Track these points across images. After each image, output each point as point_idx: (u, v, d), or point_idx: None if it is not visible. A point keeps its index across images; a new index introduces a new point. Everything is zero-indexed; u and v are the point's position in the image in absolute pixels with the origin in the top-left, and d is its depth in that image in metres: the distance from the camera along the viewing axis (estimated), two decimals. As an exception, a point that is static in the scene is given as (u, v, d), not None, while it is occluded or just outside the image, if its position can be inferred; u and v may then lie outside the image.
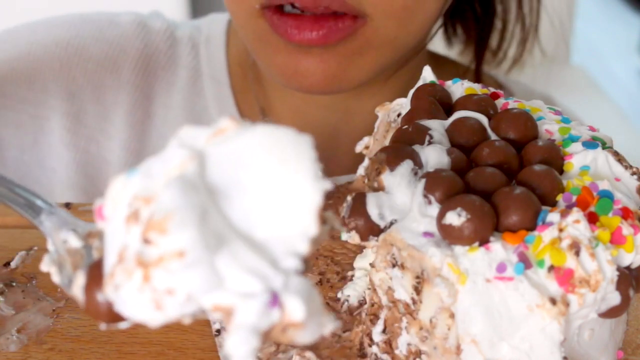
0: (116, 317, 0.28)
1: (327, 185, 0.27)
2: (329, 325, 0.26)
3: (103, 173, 0.72)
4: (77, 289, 0.29)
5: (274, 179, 0.26)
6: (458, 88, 0.44)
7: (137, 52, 0.73)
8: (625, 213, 0.36)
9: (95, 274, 0.29)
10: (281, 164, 0.26)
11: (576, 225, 0.34)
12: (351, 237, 0.38)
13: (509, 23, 0.76)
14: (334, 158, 0.67)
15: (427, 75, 0.45)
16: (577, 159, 0.39)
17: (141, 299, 0.26)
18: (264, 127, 0.27)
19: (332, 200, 0.51)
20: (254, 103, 0.72)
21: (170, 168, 0.27)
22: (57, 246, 0.33)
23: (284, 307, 0.25)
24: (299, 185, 0.26)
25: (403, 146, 0.38)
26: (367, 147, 0.49)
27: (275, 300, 0.25)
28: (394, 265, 0.37)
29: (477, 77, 0.75)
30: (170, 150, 0.27)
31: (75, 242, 0.32)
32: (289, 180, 0.26)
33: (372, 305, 0.39)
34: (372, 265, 0.39)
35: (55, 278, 0.32)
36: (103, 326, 0.29)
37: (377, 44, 0.58)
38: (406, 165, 0.37)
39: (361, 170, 0.50)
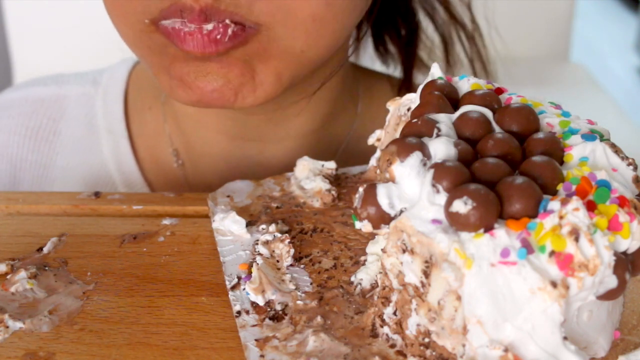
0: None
1: None
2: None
3: None
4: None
5: None
6: (464, 84, 0.44)
7: (25, 130, 0.72)
8: (622, 201, 0.36)
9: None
10: None
11: (576, 212, 0.34)
12: (364, 226, 0.39)
13: (448, 32, 0.72)
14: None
15: (435, 71, 0.45)
16: (577, 150, 0.39)
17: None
18: None
19: (346, 189, 0.52)
20: (167, 146, 0.70)
21: None
22: None
23: None
24: None
25: (413, 138, 0.39)
26: (378, 140, 0.49)
27: None
28: (404, 251, 0.37)
29: (409, 88, 0.72)
30: None
31: None
32: None
33: (384, 288, 0.40)
34: (383, 250, 0.39)
35: None
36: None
37: (276, 54, 0.52)
38: (415, 157, 0.38)
39: (373, 161, 0.50)
